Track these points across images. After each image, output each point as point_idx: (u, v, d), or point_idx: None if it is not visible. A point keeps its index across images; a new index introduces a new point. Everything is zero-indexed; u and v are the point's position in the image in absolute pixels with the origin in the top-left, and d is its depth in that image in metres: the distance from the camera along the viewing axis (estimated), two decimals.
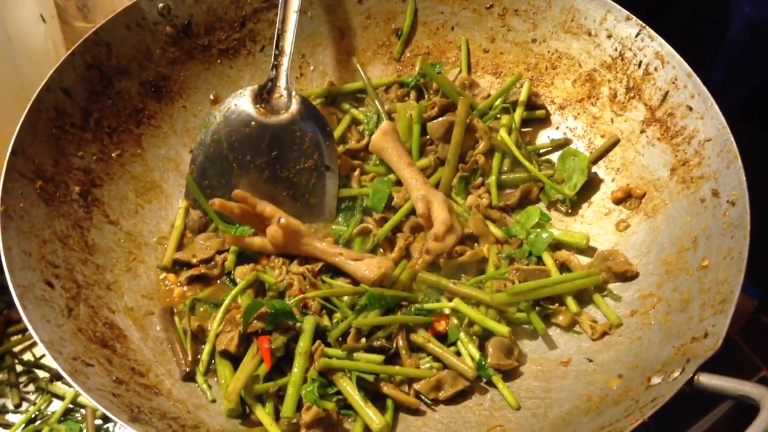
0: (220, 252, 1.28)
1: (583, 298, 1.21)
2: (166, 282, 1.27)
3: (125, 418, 0.94)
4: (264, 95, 1.34)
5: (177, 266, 1.28)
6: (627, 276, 1.21)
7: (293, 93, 1.33)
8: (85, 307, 1.12)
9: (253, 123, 1.31)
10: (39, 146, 1.19)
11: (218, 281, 1.27)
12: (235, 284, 1.22)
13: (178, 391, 1.11)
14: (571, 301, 1.19)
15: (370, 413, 1.07)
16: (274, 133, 1.32)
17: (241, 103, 1.32)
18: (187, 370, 1.13)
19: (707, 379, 0.92)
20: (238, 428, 1.07)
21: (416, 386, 1.13)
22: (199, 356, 1.15)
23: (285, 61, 1.33)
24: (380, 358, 1.12)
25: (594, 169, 1.34)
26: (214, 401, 1.11)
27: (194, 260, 1.26)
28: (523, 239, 1.27)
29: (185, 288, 1.25)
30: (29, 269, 1.07)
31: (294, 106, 1.32)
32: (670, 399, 0.92)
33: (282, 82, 1.33)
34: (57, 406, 1.28)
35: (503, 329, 1.14)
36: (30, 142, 1.17)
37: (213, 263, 1.27)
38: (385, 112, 1.41)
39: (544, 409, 1.09)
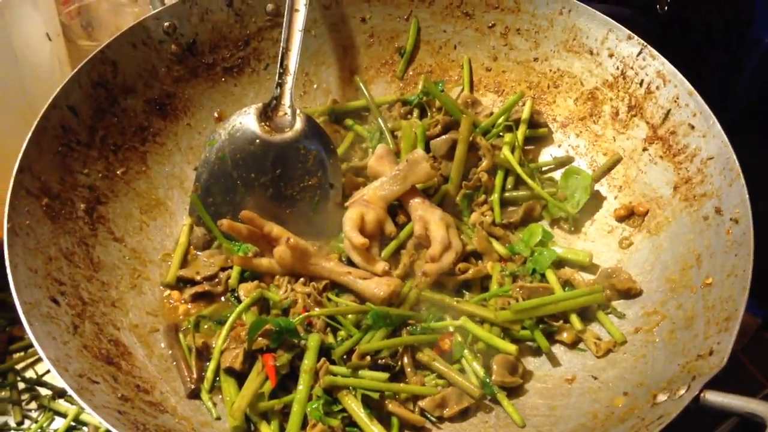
0: (224, 269, 1.28)
1: (587, 315, 1.22)
2: (170, 299, 1.26)
3: None
4: (268, 113, 1.34)
5: (181, 283, 1.28)
6: (631, 293, 1.21)
7: (297, 111, 1.34)
8: (90, 324, 1.12)
9: (257, 141, 1.31)
10: (45, 163, 1.19)
11: (222, 298, 1.27)
12: (239, 301, 1.22)
13: (183, 409, 1.10)
14: (575, 319, 1.19)
15: (375, 431, 1.07)
16: (279, 151, 1.32)
17: (246, 120, 1.32)
18: (192, 387, 1.13)
19: (713, 397, 0.92)
20: None
21: (421, 404, 1.13)
22: (203, 373, 1.15)
23: (289, 79, 1.33)
24: (385, 375, 1.12)
25: (596, 186, 1.35)
26: (219, 419, 1.11)
27: (198, 277, 1.26)
28: (526, 257, 1.28)
29: (189, 305, 1.25)
30: (35, 286, 1.07)
31: (298, 124, 1.32)
32: (676, 417, 0.93)
33: (286, 101, 1.34)
34: (59, 423, 1.27)
35: (510, 347, 1.14)
36: (36, 159, 1.17)
37: (217, 280, 1.27)
38: (389, 129, 1.42)
39: (549, 427, 1.09)
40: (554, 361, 1.19)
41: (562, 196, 1.34)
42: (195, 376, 1.14)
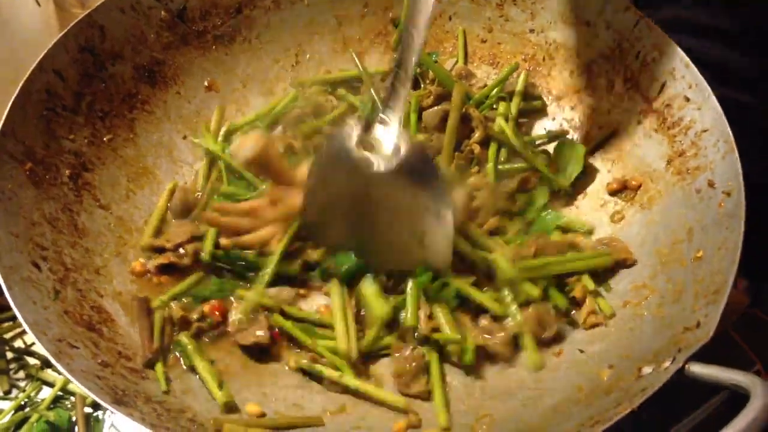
0: (195, 238, 1.23)
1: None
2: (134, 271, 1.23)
3: (109, 401, 0.93)
4: (369, 135, 1.16)
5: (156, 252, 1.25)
6: (626, 264, 1.20)
7: (402, 134, 1.16)
8: (72, 290, 1.11)
9: (358, 168, 1.16)
10: (29, 128, 1.17)
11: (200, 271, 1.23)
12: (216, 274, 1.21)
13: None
14: (587, 279, 1.18)
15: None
16: (383, 177, 1.15)
17: (344, 145, 1.16)
18: (150, 356, 1.10)
19: (698, 369, 0.91)
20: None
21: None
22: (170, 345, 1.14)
23: (400, 103, 1.15)
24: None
25: (590, 160, 1.33)
26: (167, 392, 1.08)
27: (168, 245, 1.22)
28: (532, 218, 1.27)
29: (159, 277, 1.22)
30: (16, 251, 1.06)
31: (403, 150, 1.15)
32: (660, 388, 0.91)
33: (393, 126, 1.15)
34: (47, 393, 1.26)
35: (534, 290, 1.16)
36: (20, 124, 1.16)
37: (182, 252, 1.22)
38: (381, 100, 1.39)
39: (534, 400, 1.08)
40: None
41: (555, 169, 1.32)
42: (155, 345, 1.11)
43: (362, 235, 1.21)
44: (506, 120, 1.34)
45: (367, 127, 1.15)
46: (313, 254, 1.22)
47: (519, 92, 1.38)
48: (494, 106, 1.38)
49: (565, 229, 1.27)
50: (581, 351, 1.13)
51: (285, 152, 1.32)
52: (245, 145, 1.21)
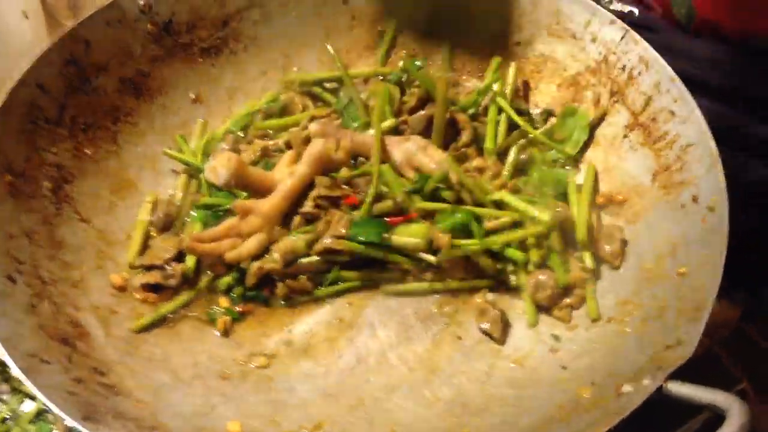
0: (182, 253, 1.22)
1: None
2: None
3: (77, 417, 0.91)
4: None
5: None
6: (611, 265, 1.20)
7: None
8: (48, 304, 1.10)
9: None
10: (11, 141, 1.17)
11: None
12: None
13: (141, 392, 1.08)
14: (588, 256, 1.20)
15: None
16: None
17: None
18: None
19: (675, 387, 0.89)
20: None
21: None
22: None
23: None
24: None
25: (576, 173, 1.31)
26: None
27: (158, 262, 1.21)
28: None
29: (146, 294, 1.20)
30: None
31: None
32: (638, 407, 0.90)
33: None
34: (30, 406, 1.25)
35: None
36: (1, 136, 1.16)
37: (170, 271, 1.20)
38: (360, 99, 1.38)
39: (514, 418, 1.06)
40: (526, 349, 1.15)
41: (560, 137, 1.31)
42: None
43: None
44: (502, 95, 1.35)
45: None
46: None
47: (511, 83, 1.38)
48: (479, 112, 1.37)
49: None
50: (564, 368, 1.11)
51: (260, 157, 1.32)
52: (217, 171, 1.20)
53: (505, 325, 1.17)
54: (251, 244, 1.20)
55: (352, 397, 1.11)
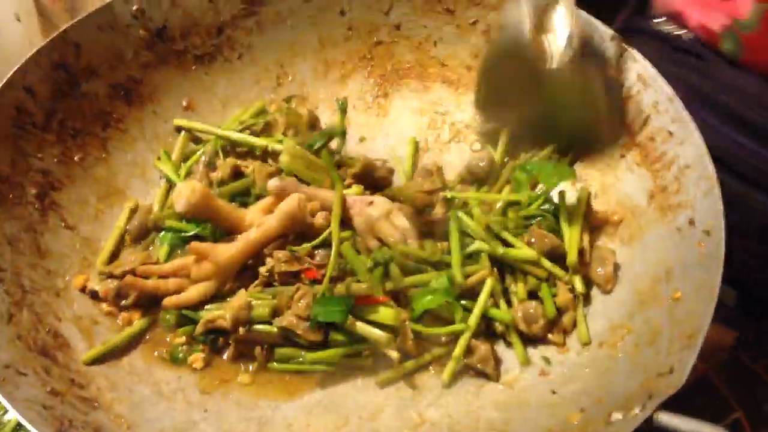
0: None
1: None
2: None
3: None
4: (543, 19, 1.20)
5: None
6: (602, 289, 1.17)
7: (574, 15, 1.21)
8: (29, 313, 1.07)
9: (533, 61, 1.20)
10: None
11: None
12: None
13: (120, 406, 1.05)
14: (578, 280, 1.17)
15: None
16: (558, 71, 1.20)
17: (518, 35, 1.20)
18: None
19: (666, 418, 0.87)
20: None
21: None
22: None
23: None
24: None
25: (572, 192, 1.28)
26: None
27: (117, 271, 1.17)
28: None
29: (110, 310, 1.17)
30: None
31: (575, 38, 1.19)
32: None
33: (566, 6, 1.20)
34: (13, 415, 1.22)
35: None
36: None
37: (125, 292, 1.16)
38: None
39: None
40: (514, 370, 1.13)
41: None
42: None
43: (536, 114, 1.25)
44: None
45: (541, 10, 1.17)
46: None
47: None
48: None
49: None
50: (553, 392, 1.08)
51: (231, 176, 1.28)
52: (181, 197, 1.15)
53: (497, 361, 1.12)
54: (193, 293, 1.14)
55: (339, 416, 1.09)
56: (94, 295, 1.17)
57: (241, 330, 1.10)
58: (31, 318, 1.07)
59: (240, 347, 1.13)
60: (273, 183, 1.21)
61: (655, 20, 1.41)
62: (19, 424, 1.21)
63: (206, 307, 1.14)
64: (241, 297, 1.11)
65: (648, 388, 0.94)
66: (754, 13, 1.26)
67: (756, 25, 1.27)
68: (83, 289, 1.17)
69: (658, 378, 0.95)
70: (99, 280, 1.17)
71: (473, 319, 1.12)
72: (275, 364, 1.12)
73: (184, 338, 1.14)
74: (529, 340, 1.14)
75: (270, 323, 1.11)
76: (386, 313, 1.08)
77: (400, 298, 1.13)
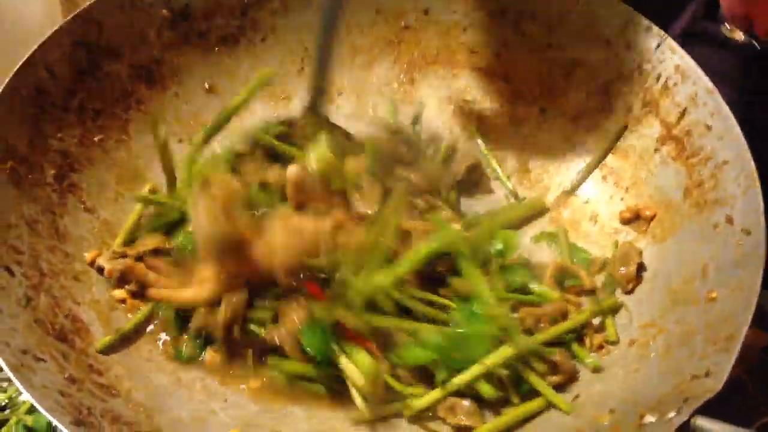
0: (158, 252, 1.17)
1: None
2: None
3: (68, 421, 0.87)
4: None
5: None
6: (623, 288, 1.14)
7: None
8: (46, 297, 1.05)
9: None
10: (14, 124, 1.12)
11: None
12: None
13: (138, 394, 1.04)
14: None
15: None
16: None
17: None
18: None
19: (704, 423, 0.84)
20: None
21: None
22: None
23: None
24: None
25: (603, 186, 1.26)
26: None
27: (131, 252, 1.15)
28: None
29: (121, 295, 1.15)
30: None
31: None
32: None
33: None
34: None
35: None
36: (5, 120, 1.11)
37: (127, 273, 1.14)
38: None
39: None
40: None
41: None
42: None
43: None
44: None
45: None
46: None
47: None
48: None
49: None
50: (577, 396, 1.06)
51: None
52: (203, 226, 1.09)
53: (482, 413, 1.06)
54: (185, 294, 1.12)
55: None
56: (100, 271, 1.15)
57: (236, 330, 1.08)
58: (49, 302, 1.05)
59: (232, 348, 1.10)
60: (292, 170, 1.18)
61: (725, 25, 1.35)
62: (32, 406, 1.20)
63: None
64: (236, 299, 1.09)
65: (682, 391, 0.91)
66: None
67: None
68: (92, 263, 1.15)
69: (693, 381, 0.92)
70: (109, 258, 1.15)
71: (452, 385, 1.06)
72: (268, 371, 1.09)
73: (185, 336, 1.12)
74: None
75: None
76: (364, 361, 1.04)
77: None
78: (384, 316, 1.07)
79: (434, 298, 1.11)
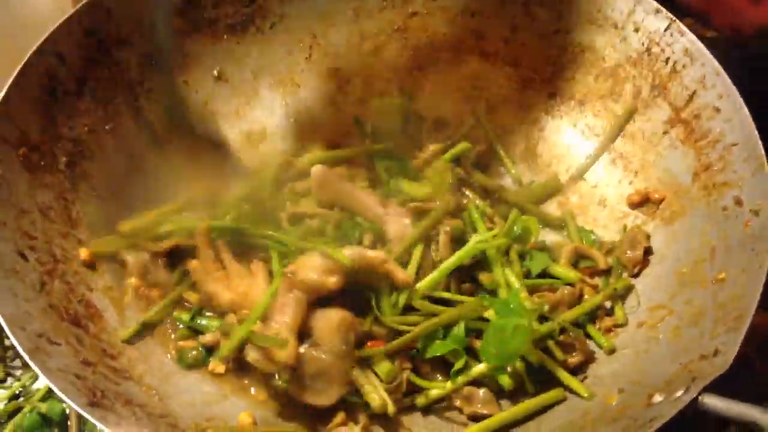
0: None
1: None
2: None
3: (83, 402, 0.88)
4: None
5: None
6: (628, 272, 1.16)
7: None
8: (60, 282, 1.06)
9: None
10: (26, 112, 1.13)
11: None
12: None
13: (152, 378, 1.05)
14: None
15: None
16: None
17: None
18: None
19: (712, 401, 0.84)
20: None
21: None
22: None
23: None
24: None
25: (611, 169, 1.27)
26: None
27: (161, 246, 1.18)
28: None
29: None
30: (2, 240, 1.01)
31: None
32: (671, 419, 0.85)
33: None
34: (43, 383, 1.23)
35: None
36: (17, 107, 1.11)
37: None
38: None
39: (537, 423, 1.02)
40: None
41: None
42: None
43: None
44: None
45: None
46: None
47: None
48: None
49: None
50: (585, 377, 1.07)
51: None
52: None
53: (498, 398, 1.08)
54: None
55: None
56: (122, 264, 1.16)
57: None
58: (63, 287, 1.06)
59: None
60: (317, 169, 1.21)
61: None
62: (46, 393, 1.22)
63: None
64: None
65: (691, 371, 0.92)
66: None
67: None
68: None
69: (702, 360, 0.93)
70: (129, 248, 1.16)
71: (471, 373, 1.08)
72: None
73: (192, 342, 1.13)
74: None
75: None
76: (383, 367, 1.05)
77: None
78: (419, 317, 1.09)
79: (461, 298, 1.13)
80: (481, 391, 1.07)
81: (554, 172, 1.34)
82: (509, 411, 1.04)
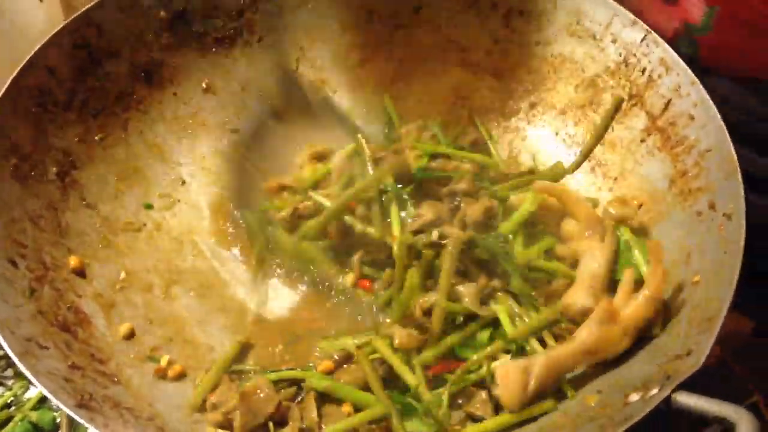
0: None
1: None
2: None
3: (71, 404, 0.90)
4: None
5: None
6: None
7: None
8: (50, 289, 1.08)
9: None
10: (17, 123, 1.16)
11: None
12: None
13: (139, 382, 1.07)
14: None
15: None
16: None
17: None
18: None
19: (684, 398, 0.86)
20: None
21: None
22: None
23: None
24: None
25: (591, 177, 1.30)
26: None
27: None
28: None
29: None
30: None
31: None
32: (645, 417, 0.87)
33: None
34: (34, 392, 1.24)
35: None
36: (8, 119, 1.14)
37: None
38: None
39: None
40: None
41: None
42: None
43: None
44: None
45: None
46: None
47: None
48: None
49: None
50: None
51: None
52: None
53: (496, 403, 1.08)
54: None
55: None
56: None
57: None
58: (52, 294, 1.08)
59: None
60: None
61: None
62: (37, 402, 1.23)
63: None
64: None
65: (666, 370, 0.94)
66: (706, 17, 1.24)
67: (709, 27, 1.24)
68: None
69: (676, 360, 0.94)
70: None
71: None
72: None
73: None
74: None
75: None
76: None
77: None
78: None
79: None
80: (482, 392, 1.09)
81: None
82: (502, 416, 1.06)
